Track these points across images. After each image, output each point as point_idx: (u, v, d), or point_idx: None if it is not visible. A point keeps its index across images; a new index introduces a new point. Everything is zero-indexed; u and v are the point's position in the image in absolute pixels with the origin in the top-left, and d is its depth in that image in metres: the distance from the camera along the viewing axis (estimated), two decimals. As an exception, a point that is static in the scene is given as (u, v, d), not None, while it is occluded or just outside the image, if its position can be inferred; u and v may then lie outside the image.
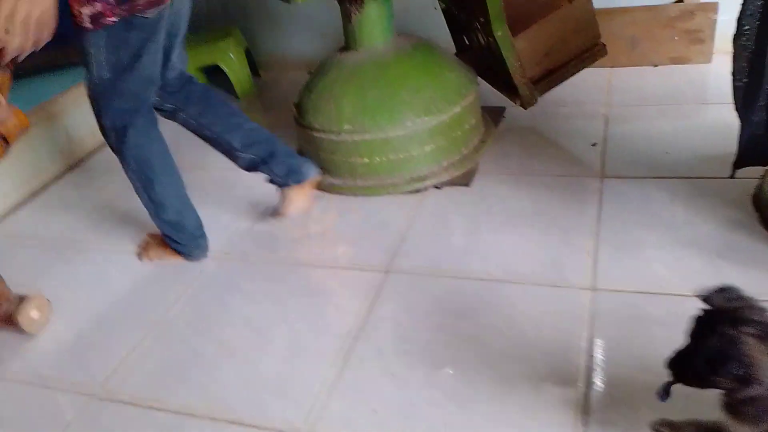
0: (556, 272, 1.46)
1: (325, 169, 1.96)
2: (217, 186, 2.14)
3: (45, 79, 2.70)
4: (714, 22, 2.24)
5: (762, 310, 0.86)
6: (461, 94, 1.87)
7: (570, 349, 1.27)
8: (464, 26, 2.15)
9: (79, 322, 1.62)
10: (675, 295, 1.34)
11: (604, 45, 2.01)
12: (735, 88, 1.38)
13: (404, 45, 1.91)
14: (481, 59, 2.07)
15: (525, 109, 1.97)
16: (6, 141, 1.52)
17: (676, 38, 2.33)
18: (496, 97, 2.14)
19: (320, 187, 1.98)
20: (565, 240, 1.56)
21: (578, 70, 2.00)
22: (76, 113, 2.54)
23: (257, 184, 2.09)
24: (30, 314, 1.58)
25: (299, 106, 1.98)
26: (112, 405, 1.35)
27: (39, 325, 1.60)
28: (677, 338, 0.90)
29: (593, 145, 1.96)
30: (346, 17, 1.87)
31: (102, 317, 1.62)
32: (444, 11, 2.21)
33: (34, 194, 2.32)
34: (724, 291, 0.89)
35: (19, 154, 2.01)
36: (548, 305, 1.38)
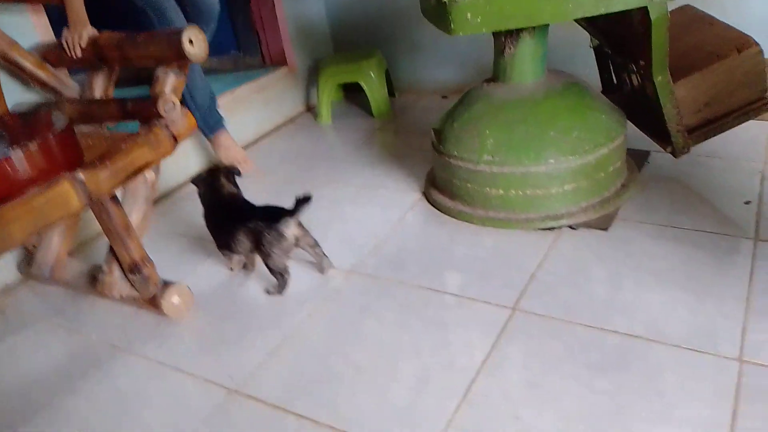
0: (704, 338, 1.37)
1: (457, 196, 1.96)
2: (350, 201, 2.21)
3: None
4: None
5: None
6: (610, 137, 1.82)
7: (714, 421, 1.18)
8: (617, 66, 2.09)
9: (216, 318, 1.71)
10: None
11: (772, 99, 1.88)
12: None
13: (555, 83, 1.88)
14: (632, 101, 2.00)
15: (676, 157, 1.88)
16: (176, 140, 1.65)
17: None
18: (640, 140, 2.06)
19: (450, 213, 1.99)
20: (713, 304, 1.46)
21: (740, 123, 1.88)
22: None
23: (386, 202, 2.14)
24: (172, 300, 1.69)
25: (439, 133, 2.01)
26: (242, 400, 1.41)
27: (179, 312, 1.71)
28: None
29: (747, 203, 1.83)
30: (499, 51, 1.87)
31: (238, 317, 1.70)
32: (596, 50, 2.16)
33: (179, 188, 2.50)
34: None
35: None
36: (693, 372, 1.29)
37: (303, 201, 1.65)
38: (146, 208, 1.72)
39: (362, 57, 2.92)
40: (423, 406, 1.32)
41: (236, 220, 1.71)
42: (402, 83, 3.19)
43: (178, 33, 1.54)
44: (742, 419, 1.17)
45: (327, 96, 2.94)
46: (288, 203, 1.67)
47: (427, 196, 2.13)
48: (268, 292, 1.75)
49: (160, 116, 1.62)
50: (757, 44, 1.81)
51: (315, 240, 1.76)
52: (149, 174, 1.71)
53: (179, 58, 1.58)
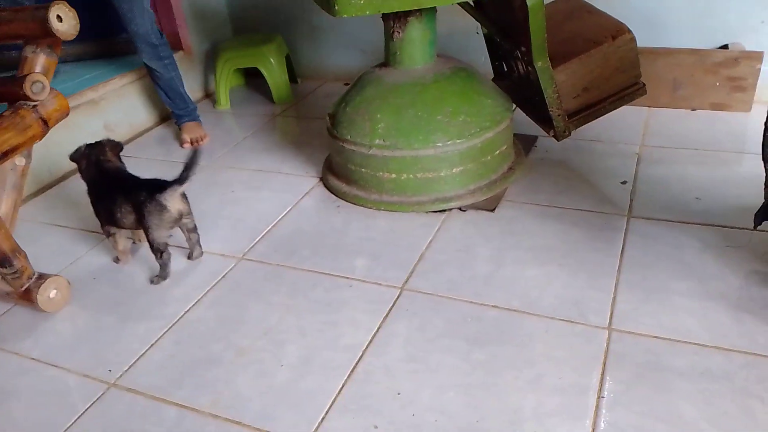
0: (575, 309, 1.44)
1: (352, 181, 1.97)
2: (244, 186, 2.17)
3: (88, 67, 2.77)
4: (758, 71, 2.22)
5: None
6: (495, 121, 1.87)
7: (582, 387, 1.24)
8: (505, 53, 2.15)
9: (96, 309, 1.64)
10: (695, 344, 1.31)
11: (644, 85, 2.00)
12: (765, 138, 1.36)
13: (444, 68, 1.91)
14: (519, 88, 2.07)
15: (558, 140, 1.96)
16: (46, 124, 1.56)
17: (717, 84, 2.30)
18: (528, 126, 2.14)
19: (346, 198, 1.99)
20: (587, 277, 1.54)
21: (616, 108, 1.99)
22: (115, 103, 2.60)
23: (283, 187, 2.12)
24: (48, 293, 1.60)
25: (333, 117, 2.00)
26: (119, 394, 1.36)
27: (56, 305, 1.62)
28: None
29: (623, 183, 1.94)
30: (389, 35, 1.89)
31: (120, 307, 1.64)
32: (486, 37, 2.22)
33: (64, 178, 2.37)
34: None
35: (57, 138, 2.05)
36: (564, 341, 1.36)
37: (190, 165, 1.59)
38: (15, 196, 1.61)
39: (262, 41, 2.87)
40: (307, 386, 1.32)
41: (120, 193, 1.65)
42: (304, 69, 3.15)
43: (45, 8, 1.45)
44: (609, 383, 1.25)
45: (225, 81, 2.87)
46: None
47: (324, 181, 2.12)
48: (151, 281, 1.69)
49: (27, 98, 1.52)
50: (630, 32, 1.91)
51: (195, 225, 1.72)
52: (18, 160, 1.60)
53: (47, 36, 1.49)
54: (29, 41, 1.55)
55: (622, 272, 1.55)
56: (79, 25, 1.52)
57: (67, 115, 1.61)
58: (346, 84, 3.04)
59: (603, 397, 1.22)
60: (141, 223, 1.63)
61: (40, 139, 1.56)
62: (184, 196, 1.66)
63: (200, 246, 1.77)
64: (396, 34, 1.86)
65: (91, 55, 2.88)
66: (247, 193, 2.12)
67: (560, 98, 1.86)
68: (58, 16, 1.46)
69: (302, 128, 2.65)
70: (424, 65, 1.91)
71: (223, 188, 2.17)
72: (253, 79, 3.13)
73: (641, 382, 1.24)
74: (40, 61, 1.56)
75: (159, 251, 1.66)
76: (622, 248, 1.64)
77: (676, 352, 1.30)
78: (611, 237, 1.69)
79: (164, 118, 2.81)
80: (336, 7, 1.59)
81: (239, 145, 2.51)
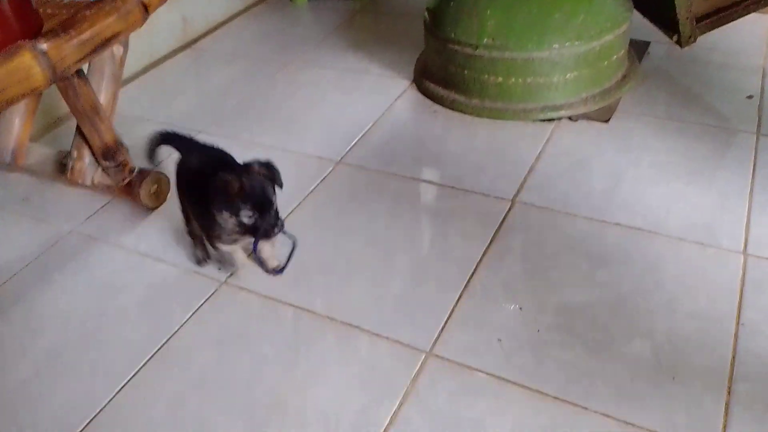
0: (706, 231, 1.35)
1: (451, 84, 1.85)
2: (333, 86, 2.07)
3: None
4: None
5: None
6: (616, 22, 1.70)
7: (717, 313, 1.18)
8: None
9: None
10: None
11: (784, -13, 1.78)
12: None
13: (562, -39, 1.73)
14: (640, -14, 1.87)
15: (681, 47, 1.78)
16: (146, 10, 1.47)
17: None
18: (640, 29, 1.95)
19: (443, 102, 1.88)
20: (717, 197, 1.44)
21: (750, 12, 1.79)
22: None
23: (373, 88, 2.02)
24: (150, 188, 1.58)
25: (434, 13, 1.85)
26: (231, 291, 1.35)
27: (157, 201, 1.60)
28: None
29: (749, 97, 1.78)
30: None
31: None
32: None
33: (146, 70, 2.31)
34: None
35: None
36: (695, 265, 1.28)
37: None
38: (114, 88, 1.56)
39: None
40: (422, 297, 1.28)
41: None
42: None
43: None
44: (747, 311, 1.17)
45: (303, -27, 2.70)
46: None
47: (417, 84, 2.00)
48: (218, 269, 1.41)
49: (127, -19, 1.43)
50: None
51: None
52: (116, 49, 1.53)
53: None
54: None
55: (755, 193, 1.44)
56: None
57: (166, 1, 1.52)
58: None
59: (743, 324, 1.15)
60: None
61: (141, 26, 1.48)
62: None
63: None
64: None
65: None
66: (336, 95, 2.03)
67: (691, 1, 1.67)
68: None
69: (386, 25, 2.50)
70: (541, -42, 1.73)
71: (311, 88, 2.08)
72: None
73: (784, 312, 1.17)
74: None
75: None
76: (753, 168, 1.52)
77: (823, 283, 1.21)
78: (740, 155, 1.56)
79: (242, 10, 2.69)
80: None
81: (322, 42, 2.38)
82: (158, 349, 1.23)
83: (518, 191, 1.52)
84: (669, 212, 1.41)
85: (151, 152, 1.40)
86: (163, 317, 1.30)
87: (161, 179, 1.60)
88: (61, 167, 1.64)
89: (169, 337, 1.25)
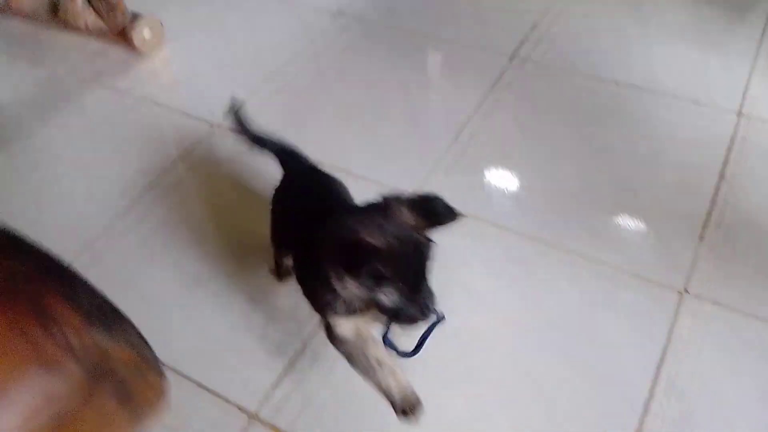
0: (703, 90, 1.33)
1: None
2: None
3: None
4: None
5: None
6: None
7: (703, 167, 1.18)
8: None
9: (193, 57, 1.59)
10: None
11: None
12: None
13: None
14: None
15: None
16: None
17: None
18: None
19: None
20: (719, 59, 1.40)
21: None
22: None
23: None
24: (143, 33, 1.56)
25: None
26: (225, 134, 1.36)
27: (151, 46, 1.58)
28: None
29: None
30: None
31: (219, 58, 1.58)
32: None
33: None
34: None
35: None
36: (687, 121, 1.28)
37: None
38: None
39: None
40: (412, 145, 1.29)
41: None
42: None
43: None
44: (732, 166, 1.18)
45: None
46: None
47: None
48: None
49: None
50: None
51: None
52: None
53: None
54: None
55: (759, 58, 1.40)
56: None
57: None
58: None
59: (724, 178, 1.16)
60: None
61: None
62: None
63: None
64: None
65: None
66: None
67: None
68: None
69: None
70: None
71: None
72: None
73: (765, 169, 1.17)
74: None
75: None
76: (762, 32, 1.47)
77: (812, 142, 1.21)
78: (750, 19, 1.50)
79: None
80: None
81: None
82: (151, 181, 1.26)
83: (518, 48, 1.49)
84: (670, 71, 1.39)
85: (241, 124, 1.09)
86: (157, 154, 1.32)
87: (155, 25, 1.57)
88: (55, 9, 1.60)
89: (160, 173, 1.28)
